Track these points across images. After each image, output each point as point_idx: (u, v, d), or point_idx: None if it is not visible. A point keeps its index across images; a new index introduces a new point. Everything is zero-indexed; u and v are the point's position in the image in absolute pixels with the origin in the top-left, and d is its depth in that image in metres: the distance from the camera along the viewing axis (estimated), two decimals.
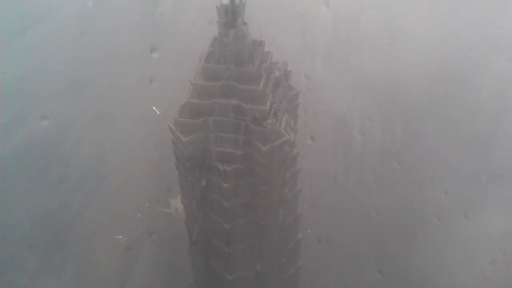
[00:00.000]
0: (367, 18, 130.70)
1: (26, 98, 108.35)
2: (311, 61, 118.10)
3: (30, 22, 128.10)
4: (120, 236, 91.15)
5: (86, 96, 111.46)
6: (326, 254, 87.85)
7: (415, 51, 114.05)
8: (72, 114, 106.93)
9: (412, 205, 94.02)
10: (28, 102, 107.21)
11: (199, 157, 58.26)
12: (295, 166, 62.70)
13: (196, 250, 69.47)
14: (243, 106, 54.44)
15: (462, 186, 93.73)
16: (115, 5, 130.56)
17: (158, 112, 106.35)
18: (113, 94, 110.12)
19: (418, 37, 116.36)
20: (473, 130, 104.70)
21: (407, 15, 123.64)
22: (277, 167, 57.72)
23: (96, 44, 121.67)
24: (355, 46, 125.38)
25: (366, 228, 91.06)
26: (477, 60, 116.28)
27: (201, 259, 69.32)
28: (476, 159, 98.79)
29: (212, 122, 55.68)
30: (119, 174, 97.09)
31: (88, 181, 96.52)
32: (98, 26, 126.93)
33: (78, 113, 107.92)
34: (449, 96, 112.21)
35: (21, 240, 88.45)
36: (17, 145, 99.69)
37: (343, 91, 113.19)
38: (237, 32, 53.03)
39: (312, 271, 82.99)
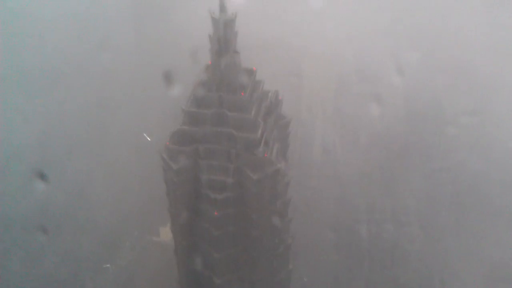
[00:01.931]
0: None
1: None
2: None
3: None
4: (108, 265, 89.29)
5: (74, 119, 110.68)
6: None
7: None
8: (58, 138, 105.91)
9: None
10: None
11: (190, 185, 57.83)
12: (286, 194, 62.34)
13: (186, 279, 68.18)
14: (234, 134, 54.45)
15: None
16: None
17: (149, 139, 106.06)
18: (102, 119, 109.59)
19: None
20: None
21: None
22: (268, 196, 57.32)
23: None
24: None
25: None
26: None
27: None
28: None
29: (203, 150, 55.58)
30: (108, 202, 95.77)
31: (75, 208, 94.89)
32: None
33: (64, 137, 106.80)
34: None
35: None
36: None
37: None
38: (229, 61, 53.54)
39: None
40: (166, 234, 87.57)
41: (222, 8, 51.56)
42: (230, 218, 58.32)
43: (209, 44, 53.71)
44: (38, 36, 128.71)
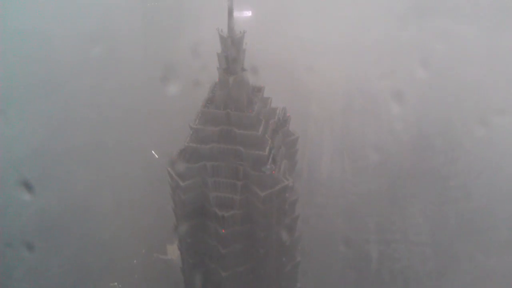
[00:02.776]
0: None
1: None
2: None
3: None
4: (115, 283, 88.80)
5: (82, 137, 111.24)
6: None
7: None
8: (67, 155, 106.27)
9: None
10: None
11: (197, 202, 57.63)
12: (294, 211, 61.82)
13: None
14: (242, 151, 54.37)
15: None
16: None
17: (157, 156, 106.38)
18: (110, 136, 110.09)
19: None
20: None
21: None
22: (276, 213, 56.88)
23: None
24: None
25: None
26: None
27: None
28: None
29: (211, 167, 55.45)
30: (115, 219, 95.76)
31: (82, 225, 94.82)
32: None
33: (74, 155, 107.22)
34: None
35: None
36: None
37: None
38: (236, 78, 53.79)
39: None
40: (173, 252, 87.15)
41: (230, 26, 52.05)
42: (237, 236, 57.84)
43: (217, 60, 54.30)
44: (38, 47, 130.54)
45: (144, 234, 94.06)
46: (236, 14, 52.30)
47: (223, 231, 56.71)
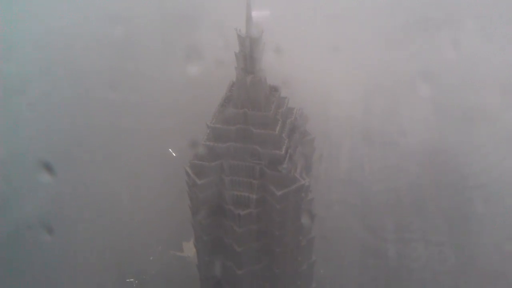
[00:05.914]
0: None
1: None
2: None
3: None
4: (132, 279, 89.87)
5: (99, 134, 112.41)
6: None
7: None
8: (84, 153, 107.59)
9: None
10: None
11: (214, 201, 58.06)
12: (310, 211, 61.82)
13: None
14: (259, 150, 54.55)
15: None
16: None
17: (175, 155, 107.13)
18: (128, 133, 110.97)
19: None
20: None
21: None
22: (291, 212, 56.99)
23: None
24: None
25: None
26: None
27: None
28: None
29: (228, 166, 55.76)
30: (132, 216, 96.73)
31: (99, 222, 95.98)
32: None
33: (90, 152, 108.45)
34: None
35: None
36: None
37: None
38: (254, 78, 53.98)
39: None
40: (189, 249, 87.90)
41: (248, 25, 52.20)
42: (253, 234, 58.14)
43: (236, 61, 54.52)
44: (61, 35, 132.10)
45: (160, 231, 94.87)
46: (254, 13, 52.43)
47: (239, 229, 57.07)
